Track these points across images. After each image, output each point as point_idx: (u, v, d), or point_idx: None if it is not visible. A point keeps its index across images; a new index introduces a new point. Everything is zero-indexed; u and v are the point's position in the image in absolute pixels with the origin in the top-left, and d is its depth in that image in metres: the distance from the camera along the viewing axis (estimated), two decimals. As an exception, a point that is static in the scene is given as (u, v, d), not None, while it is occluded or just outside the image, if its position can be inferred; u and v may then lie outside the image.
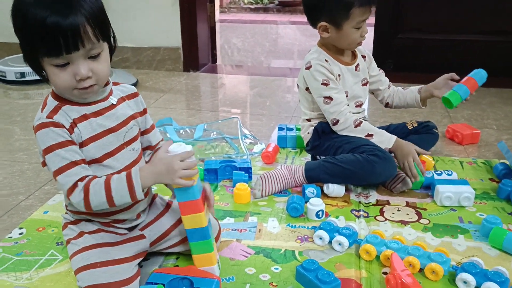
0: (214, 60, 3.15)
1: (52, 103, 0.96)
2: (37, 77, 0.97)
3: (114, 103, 1.01)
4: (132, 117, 1.04)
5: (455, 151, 1.79)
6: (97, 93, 0.98)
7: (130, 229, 1.07)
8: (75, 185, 0.92)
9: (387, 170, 1.42)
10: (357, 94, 1.58)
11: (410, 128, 1.65)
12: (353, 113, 1.55)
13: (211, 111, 2.26)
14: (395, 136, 1.49)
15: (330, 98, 1.49)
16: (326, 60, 1.52)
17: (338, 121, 1.50)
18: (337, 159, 1.44)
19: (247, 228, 1.29)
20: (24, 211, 1.39)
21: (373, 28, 2.89)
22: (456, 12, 2.71)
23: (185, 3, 2.78)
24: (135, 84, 2.57)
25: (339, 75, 1.54)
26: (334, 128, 1.52)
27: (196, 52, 2.89)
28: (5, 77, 2.66)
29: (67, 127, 0.94)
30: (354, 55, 1.59)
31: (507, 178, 1.51)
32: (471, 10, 2.69)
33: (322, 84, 1.49)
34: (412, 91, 1.65)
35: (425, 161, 1.58)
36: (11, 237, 1.25)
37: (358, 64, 1.58)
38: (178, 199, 0.98)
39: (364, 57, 1.62)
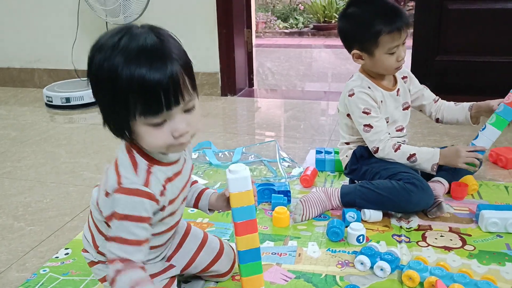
0: (250, 84, 3.19)
1: (142, 163, 0.88)
2: (81, 102, 0.94)
3: (186, 158, 0.98)
4: (191, 168, 1.02)
5: (499, 175, 1.74)
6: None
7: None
8: (115, 260, 0.86)
9: (424, 200, 1.40)
10: (398, 119, 1.58)
11: None
12: (393, 137, 1.54)
13: (248, 135, 2.28)
14: (437, 149, 1.47)
15: (370, 126, 1.49)
16: (369, 87, 1.52)
17: (378, 148, 1.49)
18: (373, 185, 1.44)
19: (287, 252, 1.29)
20: (70, 232, 1.43)
21: (411, 49, 2.88)
22: (497, 33, 2.67)
23: (223, 29, 2.85)
24: (174, 108, 2.63)
25: (381, 101, 1.54)
26: (376, 155, 1.51)
27: (234, 77, 2.94)
28: (51, 102, 2.78)
29: (159, 195, 0.88)
30: (395, 79, 1.59)
31: (556, 203, 1.46)
32: (513, 31, 2.64)
33: (363, 112, 1.49)
34: (463, 108, 1.60)
35: (468, 184, 1.55)
36: (57, 257, 1.29)
37: (399, 89, 1.58)
38: (235, 219, 0.98)
39: (404, 78, 1.61)
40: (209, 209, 1.11)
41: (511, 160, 1.79)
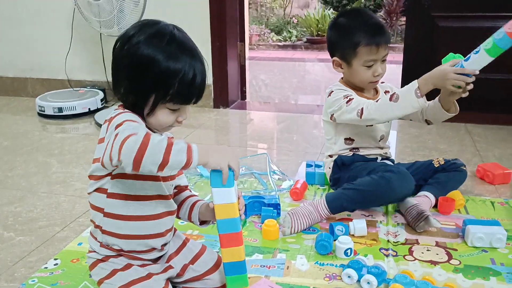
0: (243, 97, 3.21)
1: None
2: (74, 112, 1.02)
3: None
4: None
5: (486, 191, 1.77)
6: None
7: (155, 260, 1.10)
8: (136, 133, 0.86)
9: (404, 186, 1.45)
10: (378, 128, 1.64)
11: (436, 166, 1.65)
12: (375, 147, 1.63)
13: (239, 147, 2.30)
14: (415, 81, 1.44)
15: (351, 99, 1.53)
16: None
17: (362, 109, 1.49)
18: (354, 184, 1.49)
19: (276, 265, 1.30)
20: (60, 242, 1.43)
21: (398, 65, 2.92)
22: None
23: (216, 42, 2.87)
24: (166, 120, 2.64)
25: None
26: (363, 117, 1.49)
27: (226, 89, 2.97)
28: (44, 111, 2.78)
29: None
30: (376, 92, 1.65)
31: (541, 219, 1.48)
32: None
33: (345, 97, 1.54)
34: (434, 101, 1.59)
35: (455, 200, 1.57)
36: (46, 267, 1.29)
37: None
38: (220, 231, 0.99)
39: (386, 92, 1.65)
40: (201, 222, 1.14)
41: (498, 176, 1.81)
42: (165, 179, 1.07)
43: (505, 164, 1.97)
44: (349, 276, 1.20)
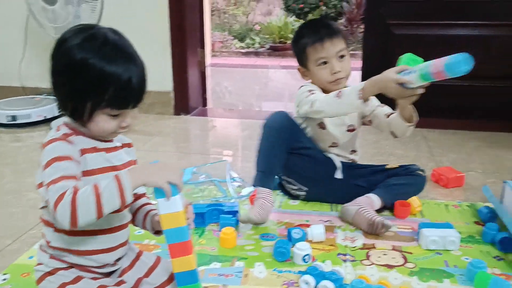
0: (204, 103, 3.20)
1: (66, 130, 0.98)
2: (28, 120, 0.99)
3: (119, 145, 1.05)
4: (129, 163, 1.06)
5: (440, 194, 1.81)
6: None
7: (108, 274, 1.07)
8: (64, 194, 0.87)
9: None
10: (336, 136, 1.67)
11: (386, 168, 1.68)
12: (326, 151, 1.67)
13: (200, 154, 2.28)
14: (361, 83, 1.44)
15: (313, 93, 1.57)
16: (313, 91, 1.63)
17: (314, 101, 1.52)
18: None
19: (234, 273, 1.28)
20: (10, 255, 1.38)
21: (358, 72, 2.97)
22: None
23: (176, 49, 2.85)
24: (125, 127, 2.60)
25: None
26: (313, 108, 1.52)
27: (187, 96, 2.95)
28: (-4, 120, 2.68)
29: (77, 149, 0.96)
30: None
31: (492, 221, 1.53)
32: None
33: (308, 91, 1.58)
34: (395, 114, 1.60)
35: (411, 204, 1.60)
36: (-6, 283, 1.24)
37: None
38: (168, 241, 0.97)
39: None
40: (155, 232, 1.11)
41: (452, 179, 1.86)
42: None
43: (458, 167, 2.02)
44: (306, 283, 1.20)
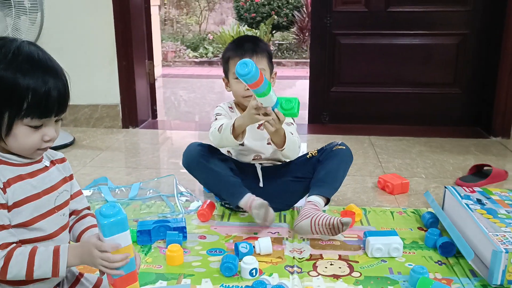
0: (154, 116, 3.15)
1: None
2: None
3: (47, 165, 1.01)
4: (63, 182, 1.03)
5: (386, 201, 1.85)
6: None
7: None
8: None
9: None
10: (257, 150, 1.70)
11: (308, 157, 1.70)
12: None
13: (149, 168, 2.24)
14: (238, 117, 1.52)
15: (216, 118, 1.66)
16: (231, 107, 1.71)
17: (211, 130, 1.62)
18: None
19: (179, 292, 1.26)
20: None
21: (307, 81, 3.02)
22: (386, 66, 2.89)
23: (123, 61, 2.80)
24: (72, 143, 2.52)
25: None
26: (210, 139, 1.63)
27: (135, 108, 2.89)
28: None
29: (1, 186, 0.91)
30: None
31: (434, 226, 1.57)
32: (401, 64, 2.87)
33: (215, 115, 1.67)
34: None
35: (355, 212, 1.63)
36: None
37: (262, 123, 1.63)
38: (113, 276, 0.93)
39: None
40: None
41: (397, 186, 1.91)
42: (51, 212, 0.99)
43: (404, 174, 2.08)
44: (252, 298, 1.20)
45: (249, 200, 1.54)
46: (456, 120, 2.90)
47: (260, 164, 1.71)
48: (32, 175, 0.97)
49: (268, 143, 1.66)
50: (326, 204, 1.60)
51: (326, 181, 1.60)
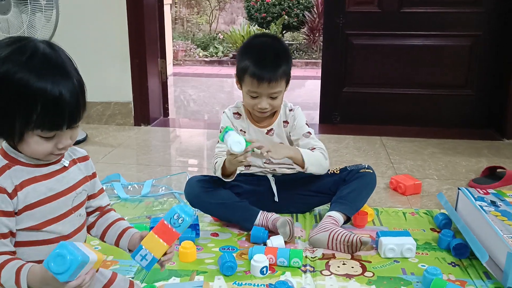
0: (166, 114, 3.16)
1: (0, 161, 0.91)
2: None
3: (66, 165, 0.98)
4: (83, 181, 1.02)
5: (398, 202, 1.85)
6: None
7: None
8: None
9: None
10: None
11: (329, 173, 1.65)
12: (261, 167, 1.65)
13: (161, 166, 2.25)
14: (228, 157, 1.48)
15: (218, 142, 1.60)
16: (238, 113, 1.64)
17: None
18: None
19: (193, 288, 1.27)
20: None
21: (319, 81, 3.02)
22: (398, 67, 2.88)
23: (135, 59, 2.82)
24: (84, 139, 2.54)
25: (243, 131, 1.62)
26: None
27: (147, 106, 2.91)
28: None
29: (9, 192, 0.89)
30: (273, 119, 1.62)
31: (447, 228, 1.57)
32: (413, 65, 2.86)
33: (220, 130, 1.59)
34: None
35: (367, 212, 1.62)
36: None
37: (272, 129, 1.61)
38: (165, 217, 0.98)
39: (285, 122, 1.63)
40: (129, 249, 1.08)
41: (409, 187, 1.90)
42: (68, 213, 0.98)
43: (416, 175, 2.07)
44: (270, 296, 1.20)
45: (264, 218, 1.55)
46: (468, 122, 2.88)
47: (274, 171, 1.66)
48: (48, 176, 0.95)
49: None
50: (345, 222, 1.58)
51: (349, 200, 1.57)
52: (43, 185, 0.94)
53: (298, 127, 1.62)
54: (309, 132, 1.62)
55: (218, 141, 1.60)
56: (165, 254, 1.00)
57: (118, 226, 1.09)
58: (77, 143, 2.46)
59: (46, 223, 0.94)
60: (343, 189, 1.60)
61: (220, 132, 1.59)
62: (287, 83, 1.56)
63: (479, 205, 1.51)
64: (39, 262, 0.91)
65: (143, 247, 0.97)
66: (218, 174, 1.55)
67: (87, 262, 0.84)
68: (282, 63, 1.50)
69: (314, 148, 1.58)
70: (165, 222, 0.97)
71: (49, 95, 0.84)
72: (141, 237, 1.02)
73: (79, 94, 0.88)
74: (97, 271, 0.94)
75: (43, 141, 0.89)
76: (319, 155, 1.57)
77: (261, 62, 1.48)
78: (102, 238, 1.10)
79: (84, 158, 1.05)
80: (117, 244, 1.09)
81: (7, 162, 0.92)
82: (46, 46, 0.88)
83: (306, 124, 1.64)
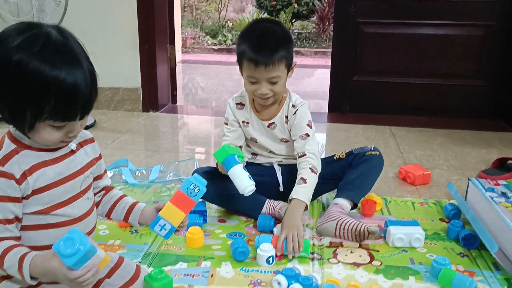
0: (174, 100, 3.16)
1: (8, 146, 0.91)
2: None
3: (74, 149, 0.99)
4: (90, 165, 1.02)
5: (407, 191, 1.83)
6: None
7: None
8: None
9: None
10: (270, 147, 1.62)
11: (335, 159, 1.64)
12: (268, 156, 1.64)
13: (169, 152, 2.25)
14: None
15: (224, 134, 1.61)
16: (241, 104, 1.61)
17: None
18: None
19: (200, 273, 1.27)
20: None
21: (329, 70, 2.99)
22: (409, 56, 2.84)
23: (145, 45, 2.81)
24: (92, 125, 2.54)
25: (246, 122, 1.60)
26: None
27: (156, 92, 2.90)
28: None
29: (17, 177, 0.89)
30: (276, 111, 1.58)
31: (456, 218, 1.55)
32: (424, 54, 2.82)
33: (225, 120, 1.62)
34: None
35: (375, 201, 1.61)
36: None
37: (273, 123, 1.58)
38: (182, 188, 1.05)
39: (286, 117, 1.58)
40: (139, 223, 1.11)
41: (418, 177, 1.89)
42: (77, 197, 0.99)
43: (425, 165, 2.05)
44: (279, 283, 1.19)
45: (271, 207, 1.54)
46: (478, 112, 2.85)
47: (280, 161, 1.64)
48: (56, 160, 0.95)
49: (282, 141, 1.60)
50: (352, 208, 1.56)
51: (356, 185, 1.55)
52: (52, 169, 0.94)
53: (298, 128, 1.56)
54: (306, 134, 1.55)
55: (224, 134, 1.60)
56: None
57: (125, 203, 1.11)
58: (86, 128, 2.41)
59: (54, 207, 0.95)
60: (350, 174, 1.57)
61: (226, 124, 1.61)
62: (288, 69, 1.50)
63: (489, 196, 1.49)
64: (47, 247, 0.91)
65: (162, 217, 1.03)
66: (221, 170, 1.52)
67: (95, 253, 0.85)
68: (280, 47, 1.45)
69: (305, 155, 1.52)
70: (182, 192, 1.04)
71: (63, 86, 0.83)
72: (157, 209, 1.06)
73: (92, 85, 0.88)
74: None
75: (54, 130, 0.88)
76: (312, 184, 1.49)
77: (258, 47, 1.44)
78: (108, 215, 1.12)
79: (90, 141, 1.05)
80: (126, 219, 1.11)
81: (16, 146, 0.91)
82: (58, 34, 0.86)
83: (308, 124, 1.55)
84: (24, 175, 0.90)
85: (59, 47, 0.85)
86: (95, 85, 0.89)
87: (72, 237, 0.83)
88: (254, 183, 1.39)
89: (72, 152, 0.98)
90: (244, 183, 1.38)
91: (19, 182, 0.89)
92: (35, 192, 0.92)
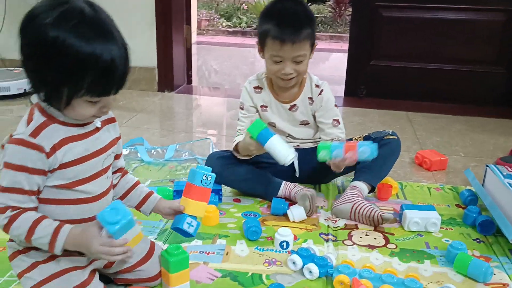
0: (189, 81, 3.15)
1: (39, 118, 0.91)
2: (7, 93, 0.92)
3: (99, 126, 0.99)
4: (112, 143, 1.03)
5: (423, 177, 1.82)
6: None
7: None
8: (5, 209, 0.89)
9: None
10: (288, 132, 1.60)
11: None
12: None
13: (184, 132, 2.25)
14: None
15: (239, 119, 1.60)
16: (259, 87, 1.58)
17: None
18: None
19: (215, 251, 1.27)
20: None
21: (346, 54, 2.96)
22: (428, 41, 2.80)
23: (161, 25, 2.79)
24: (108, 103, 2.55)
25: (264, 106, 1.57)
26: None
27: (171, 73, 2.90)
28: (-26, 92, 2.60)
29: (47, 151, 0.89)
30: (297, 93, 1.56)
31: (473, 204, 1.54)
32: (443, 40, 2.77)
33: (240, 105, 1.59)
34: None
35: (391, 185, 1.61)
36: (-31, 257, 1.20)
37: (295, 105, 1.56)
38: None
39: (310, 98, 1.56)
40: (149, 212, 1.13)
41: (435, 162, 1.87)
42: (98, 174, 0.99)
43: (442, 151, 2.03)
44: (294, 262, 1.19)
45: (287, 190, 1.53)
46: (498, 99, 2.80)
47: (297, 146, 1.59)
48: (83, 136, 0.95)
49: (302, 124, 1.59)
50: (370, 191, 1.55)
51: (374, 169, 1.53)
52: (79, 145, 0.94)
53: (328, 110, 1.55)
54: (337, 121, 1.55)
55: (239, 119, 1.59)
56: None
57: (139, 191, 1.13)
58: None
59: (77, 182, 0.95)
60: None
61: (241, 108, 1.58)
62: (312, 48, 1.48)
63: (507, 182, 1.47)
64: (64, 222, 0.93)
65: (187, 215, 1.07)
66: (237, 155, 1.52)
67: (134, 224, 0.92)
68: (305, 24, 1.43)
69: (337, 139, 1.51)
70: (195, 185, 1.06)
71: (100, 62, 0.83)
72: (171, 207, 1.09)
73: (126, 58, 0.88)
74: None
75: (89, 105, 0.89)
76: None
77: (284, 23, 1.41)
78: (122, 199, 1.12)
79: (112, 120, 1.05)
80: (138, 207, 1.12)
81: (45, 119, 0.91)
82: (89, 8, 0.86)
83: (335, 105, 1.55)
84: (54, 149, 0.90)
85: (93, 22, 0.85)
86: (129, 58, 0.89)
87: (116, 208, 0.90)
88: (294, 149, 1.37)
89: (97, 129, 0.98)
90: (285, 153, 1.35)
91: (48, 155, 0.90)
92: (62, 166, 0.92)
